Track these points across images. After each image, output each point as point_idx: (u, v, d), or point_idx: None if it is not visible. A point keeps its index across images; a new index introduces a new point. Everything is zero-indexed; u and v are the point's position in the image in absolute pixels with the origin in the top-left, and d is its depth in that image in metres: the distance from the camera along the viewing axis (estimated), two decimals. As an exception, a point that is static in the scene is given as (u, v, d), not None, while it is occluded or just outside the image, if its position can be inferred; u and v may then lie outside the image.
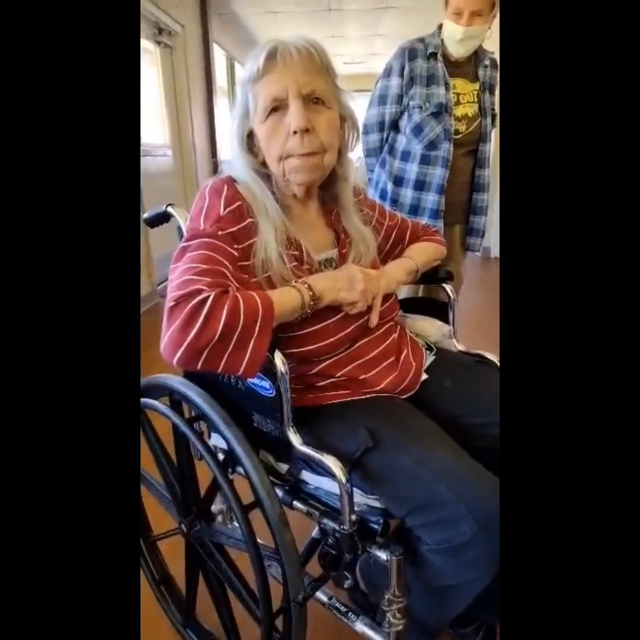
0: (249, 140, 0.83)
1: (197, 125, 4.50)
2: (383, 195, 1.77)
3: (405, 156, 1.69)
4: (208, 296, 0.64)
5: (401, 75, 1.62)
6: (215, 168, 4.89)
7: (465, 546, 0.66)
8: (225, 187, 0.79)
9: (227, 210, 0.77)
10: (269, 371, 0.72)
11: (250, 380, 0.77)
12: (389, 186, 1.74)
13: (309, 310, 0.76)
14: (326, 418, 0.79)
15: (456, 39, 1.56)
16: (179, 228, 0.92)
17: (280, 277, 0.79)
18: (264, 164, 0.83)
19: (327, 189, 0.90)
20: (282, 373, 0.71)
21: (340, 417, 0.79)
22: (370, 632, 0.81)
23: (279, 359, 0.71)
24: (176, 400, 0.86)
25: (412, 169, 1.68)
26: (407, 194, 1.71)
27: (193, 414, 0.86)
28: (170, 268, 0.72)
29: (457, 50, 1.60)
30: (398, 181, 1.72)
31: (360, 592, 0.92)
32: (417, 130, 1.63)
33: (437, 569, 0.71)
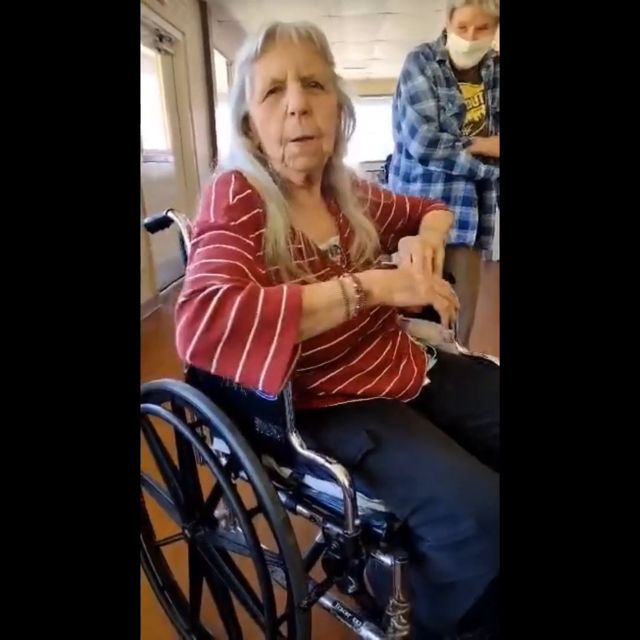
0: (245, 124, 0.82)
1: (198, 131, 4.52)
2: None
3: (427, 177, 1.69)
4: (218, 288, 0.61)
5: (424, 74, 1.61)
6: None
7: (466, 542, 0.65)
8: (233, 177, 0.77)
9: (237, 198, 0.74)
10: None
11: (252, 384, 0.76)
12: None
13: (357, 306, 0.67)
14: (328, 422, 0.79)
15: (461, 52, 1.57)
16: (180, 233, 0.92)
17: (287, 271, 0.76)
18: (259, 148, 0.81)
19: (324, 178, 0.88)
20: (284, 377, 0.71)
21: (342, 420, 0.79)
22: (375, 638, 0.81)
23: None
24: (178, 406, 0.86)
25: (438, 188, 1.68)
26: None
27: (195, 418, 0.86)
28: (187, 269, 0.70)
29: (464, 62, 1.61)
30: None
31: (367, 595, 0.92)
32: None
33: (439, 567, 0.70)
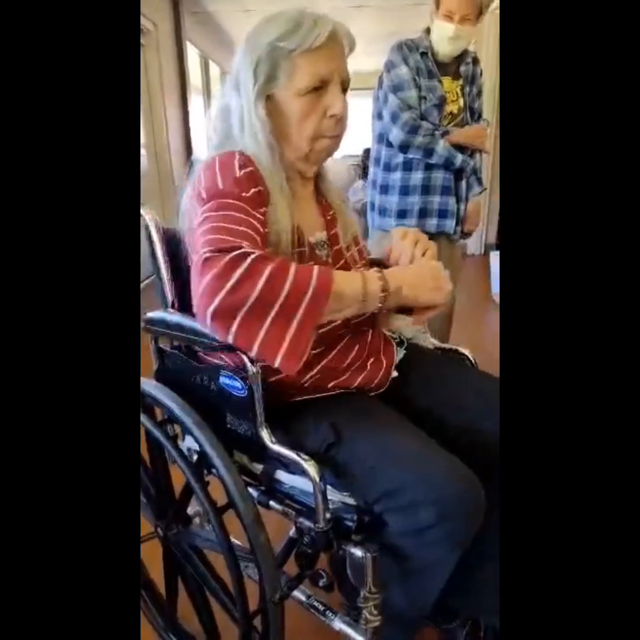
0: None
1: (171, 125, 4.44)
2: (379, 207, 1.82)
3: (408, 166, 1.73)
4: (249, 253, 0.59)
5: (407, 63, 1.66)
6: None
7: (427, 529, 0.66)
8: (237, 154, 0.76)
9: (243, 171, 0.73)
10: (240, 371, 0.72)
11: (222, 380, 0.76)
12: (395, 198, 1.77)
13: (379, 304, 0.67)
14: (295, 415, 0.79)
15: (447, 36, 1.61)
16: (147, 228, 0.90)
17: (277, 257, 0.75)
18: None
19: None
20: (253, 372, 0.71)
21: (308, 413, 0.78)
22: (348, 630, 0.81)
23: (247, 358, 0.71)
24: (148, 404, 0.85)
25: (417, 176, 1.72)
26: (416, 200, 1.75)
27: (165, 416, 0.85)
28: (192, 238, 0.69)
29: (446, 48, 1.65)
30: (403, 190, 1.76)
31: (350, 585, 0.92)
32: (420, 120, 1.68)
33: (405, 553, 0.71)
